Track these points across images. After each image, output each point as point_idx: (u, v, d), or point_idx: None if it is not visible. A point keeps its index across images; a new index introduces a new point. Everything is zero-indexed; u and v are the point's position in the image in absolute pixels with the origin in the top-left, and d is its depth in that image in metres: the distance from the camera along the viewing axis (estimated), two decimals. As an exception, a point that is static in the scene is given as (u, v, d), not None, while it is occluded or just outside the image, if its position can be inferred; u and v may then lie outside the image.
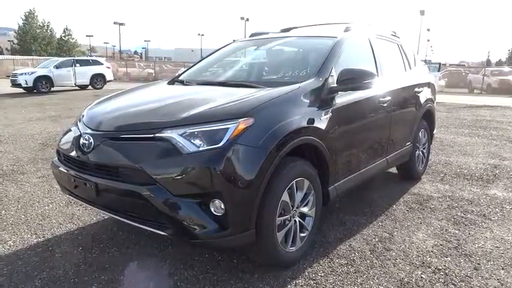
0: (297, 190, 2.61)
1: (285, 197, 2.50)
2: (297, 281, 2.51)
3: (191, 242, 2.37)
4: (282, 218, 2.52)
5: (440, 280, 2.53)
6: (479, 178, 4.84)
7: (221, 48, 4.12)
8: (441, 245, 3.03)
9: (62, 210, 3.78)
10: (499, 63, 66.01)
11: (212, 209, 2.20)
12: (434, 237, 3.18)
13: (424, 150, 4.85)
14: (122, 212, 2.42)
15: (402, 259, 2.80)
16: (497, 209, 3.81)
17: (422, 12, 38.13)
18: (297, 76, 3.04)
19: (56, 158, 2.90)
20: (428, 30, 41.34)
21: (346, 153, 3.12)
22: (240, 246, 2.41)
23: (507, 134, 7.99)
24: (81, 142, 2.50)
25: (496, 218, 3.60)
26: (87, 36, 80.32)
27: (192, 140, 2.22)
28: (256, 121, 2.32)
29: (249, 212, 2.27)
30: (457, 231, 3.29)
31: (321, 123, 2.74)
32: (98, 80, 20.39)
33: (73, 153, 2.58)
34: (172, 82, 3.65)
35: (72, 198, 2.86)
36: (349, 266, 2.70)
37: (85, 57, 26.95)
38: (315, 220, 2.82)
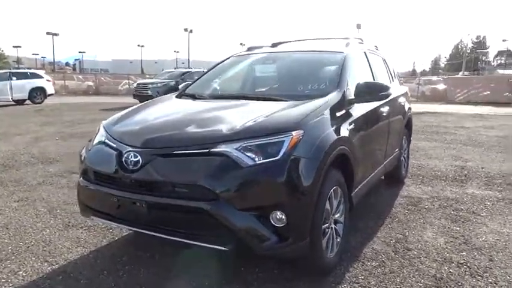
0: (333, 198, 2.72)
1: (327, 205, 2.60)
2: (343, 286, 2.61)
3: (252, 254, 2.38)
4: (324, 226, 2.61)
5: (467, 273, 2.77)
6: (453, 179, 5.29)
7: (222, 62, 4.15)
8: (451, 241, 3.30)
9: (63, 234, 3.55)
10: (423, 73, 71.79)
11: (272, 221, 2.24)
12: (442, 235, 3.44)
13: (405, 156, 5.21)
14: (173, 231, 2.37)
15: (425, 257, 3.01)
16: (481, 206, 4.20)
17: (358, 26, 40.74)
18: (317, 89, 3.17)
19: (81, 178, 2.75)
20: (362, 42, 43.69)
21: (362, 161, 3.29)
22: (298, 256, 2.45)
23: (459, 138, 8.77)
24: (124, 160, 2.42)
25: (484, 213, 3.98)
26: (14, 47, 74.73)
27: (248, 154, 2.26)
28: (305, 133, 2.41)
29: (306, 221, 2.34)
30: (458, 228, 3.59)
31: (347, 133, 2.89)
32: (37, 94, 19.08)
33: (114, 172, 2.48)
34: (179, 96, 3.63)
35: (101, 220, 2.74)
36: (383, 268, 2.85)
37: (23, 70, 25.09)
38: (344, 226, 2.94)
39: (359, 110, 3.20)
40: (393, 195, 4.58)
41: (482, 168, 5.87)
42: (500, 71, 60.11)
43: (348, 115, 3.02)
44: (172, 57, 74.03)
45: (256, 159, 2.25)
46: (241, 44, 71.67)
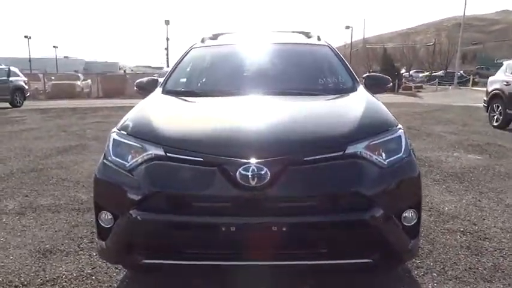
0: None
1: None
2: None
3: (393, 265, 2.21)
4: None
5: (475, 237, 3.23)
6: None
7: (186, 55, 3.55)
8: (432, 215, 3.77)
9: None
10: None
11: (405, 222, 2.11)
12: (417, 210, 3.88)
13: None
14: (314, 254, 1.97)
15: (434, 232, 3.36)
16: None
17: (167, 22, 40.52)
18: (341, 83, 3.11)
19: (134, 209, 1.92)
20: (167, 39, 43.81)
21: None
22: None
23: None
24: (241, 176, 1.86)
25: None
26: None
27: (376, 153, 2.06)
28: None
29: None
30: (420, 203, 4.12)
31: None
32: None
33: (225, 193, 1.87)
34: (171, 94, 3.00)
35: (167, 262, 2.02)
36: (429, 252, 3.04)
37: None
38: None
39: None
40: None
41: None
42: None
43: None
44: None
45: (384, 157, 2.08)
46: (26, 36, 61.49)
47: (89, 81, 29.51)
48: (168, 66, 41.16)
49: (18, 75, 17.61)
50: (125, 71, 51.66)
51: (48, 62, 68.66)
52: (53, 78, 29.41)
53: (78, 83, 27.48)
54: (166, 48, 44.61)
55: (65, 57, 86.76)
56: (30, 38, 62.23)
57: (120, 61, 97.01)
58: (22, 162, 6.13)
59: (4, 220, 3.74)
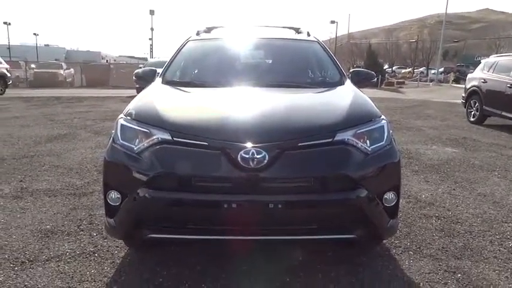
0: None
1: None
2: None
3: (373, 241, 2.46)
4: None
5: (449, 221, 3.52)
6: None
7: (183, 47, 3.71)
8: (410, 201, 4.06)
9: (29, 275, 2.61)
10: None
11: (385, 203, 2.36)
12: (397, 197, 4.17)
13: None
14: (305, 230, 2.22)
15: (412, 217, 3.64)
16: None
17: (152, 12, 40.12)
18: (330, 77, 3.34)
19: (143, 188, 2.12)
20: (152, 29, 43.31)
21: None
22: None
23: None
24: (241, 158, 2.07)
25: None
26: None
27: (361, 140, 2.30)
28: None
29: None
30: (399, 191, 4.41)
31: None
32: None
33: (228, 174, 2.08)
34: (170, 84, 3.17)
35: (172, 237, 2.23)
36: (410, 234, 3.31)
37: None
38: None
39: None
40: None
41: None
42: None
43: None
44: None
45: (369, 144, 2.31)
46: (5, 23, 59.89)
47: (72, 70, 29.04)
48: (152, 57, 40.78)
49: (0, 62, 17.29)
50: (107, 61, 50.86)
51: (28, 49, 66.78)
52: (33, 66, 28.80)
53: (61, 71, 27.05)
54: (151, 39, 44.18)
55: (45, 45, 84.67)
56: (9, 24, 60.66)
57: (103, 50, 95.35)
58: (12, 149, 6.18)
59: (2, 203, 3.85)
